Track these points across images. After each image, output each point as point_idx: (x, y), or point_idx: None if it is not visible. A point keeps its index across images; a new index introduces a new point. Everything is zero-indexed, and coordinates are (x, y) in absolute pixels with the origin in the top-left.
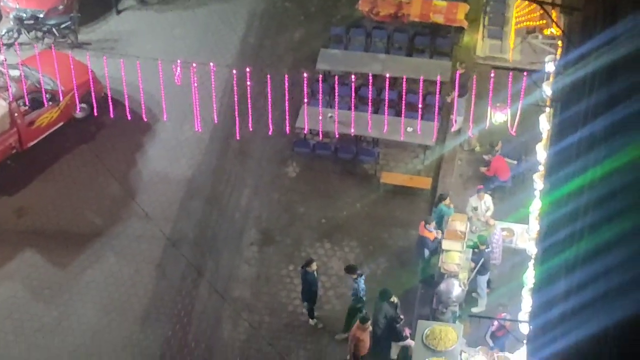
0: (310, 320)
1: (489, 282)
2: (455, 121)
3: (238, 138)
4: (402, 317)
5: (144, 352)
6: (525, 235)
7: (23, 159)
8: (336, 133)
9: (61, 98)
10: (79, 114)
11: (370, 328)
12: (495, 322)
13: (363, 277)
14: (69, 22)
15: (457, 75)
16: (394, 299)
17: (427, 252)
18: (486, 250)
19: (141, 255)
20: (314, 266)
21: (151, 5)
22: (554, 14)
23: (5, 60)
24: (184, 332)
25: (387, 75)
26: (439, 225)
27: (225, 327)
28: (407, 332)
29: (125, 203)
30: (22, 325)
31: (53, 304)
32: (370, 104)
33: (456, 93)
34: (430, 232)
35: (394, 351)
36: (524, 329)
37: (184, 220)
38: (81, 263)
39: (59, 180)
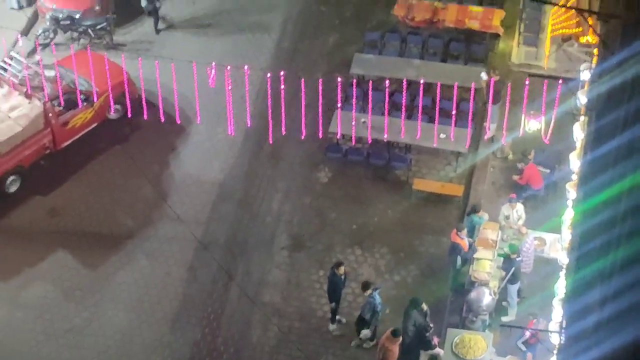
0: (331, 324)
1: (519, 291)
2: (489, 128)
3: (271, 142)
4: (431, 325)
5: (173, 354)
6: (557, 245)
7: (56, 160)
8: (369, 138)
9: (95, 99)
10: (113, 115)
11: (400, 339)
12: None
13: (378, 290)
14: (105, 24)
15: (492, 82)
16: (424, 307)
17: (459, 259)
18: (517, 259)
19: (172, 257)
20: (341, 270)
21: (187, 7)
22: (590, 21)
23: (41, 61)
24: (213, 335)
25: (421, 81)
26: (471, 235)
27: (254, 331)
28: (435, 340)
29: (158, 205)
30: (53, 325)
31: (83, 305)
32: (403, 109)
33: (490, 100)
34: (462, 239)
35: (423, 359)
36: (555, 339)
37: (215, 223)
38: (113, 264)
39: (91, 181)
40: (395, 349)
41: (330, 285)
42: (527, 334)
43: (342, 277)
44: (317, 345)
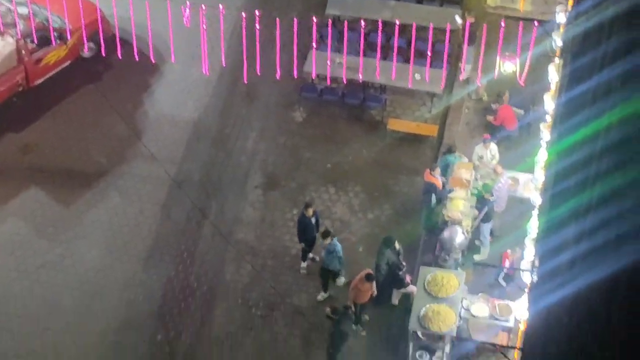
0: (302, 262)
1: (492, 230)
2: (464, 70)
3: (246, 81)
4: (404, 264)
5: (146, 291)
6: (530, 185)
7: (29, 97)
8: (344, 79)
9: (69, 37)
10: (86, 53)
11: (373, 283)
12: (507, 264)
13: (336, 237)
14: None
15: (467, 24)
16: (397, 245)
17: (433, 199)
18: (491, 199)
19: (146, 195)
20: (310, 211)
21: None
22: None
23: None
24: (186, 273)
25: (397, 22)
26: (444, 174)
27: (228, 269)
28: (408, 279)
29: (132, 143)
30: (25, 262)
31: (57, 242)
32: (379, 50)
33: (465, 42)
34: (436, 178)
35: (396, 297)
36: (527, 277)
37: (189, 162)
38: (86, 202)
39: (65, 119)
40: (366, 290)
41: (299, 226)
42: (507, 265)
43: (312, 218)
44: (290, 283)
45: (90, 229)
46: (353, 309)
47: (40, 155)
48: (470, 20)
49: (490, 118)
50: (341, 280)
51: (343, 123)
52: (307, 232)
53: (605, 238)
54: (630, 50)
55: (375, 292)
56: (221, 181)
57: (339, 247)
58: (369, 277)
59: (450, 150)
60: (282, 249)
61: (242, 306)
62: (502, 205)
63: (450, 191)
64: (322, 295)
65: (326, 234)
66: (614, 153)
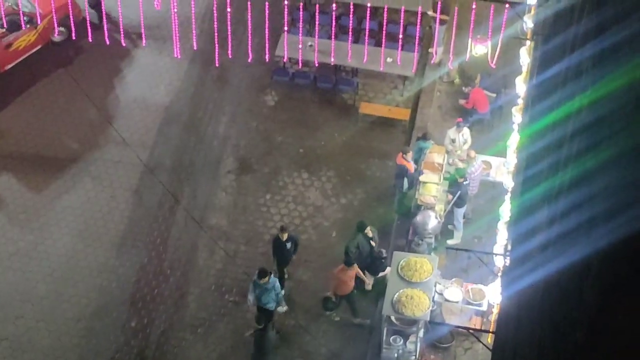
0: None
1: (465, 214)
2: (436, 53)
3: (217, 65)
4: (383, 251)
5: (119, 278)
6: (503, 169)
7: None
8: (316, 62)
9: (39, 21)
10: (57, 37)
11: (353, 269)
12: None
13: (273, 274)
14: None
15: (438, 4)
16: (369, 231)
17: (405, 182)
18: (464, 183)
19: (118, 181)
20: (284, 235)
21: None
22: None
23: None
24: (159, 259)
25: (368, 4)
26: (417, 159)
27: (201, 254)
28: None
29: (103, 128)
30: None
31: (28, 228)
32: (350, 33)
33: (437, 22)
34: (408, 162)
35: (369, 283)
36: (499, 261)
37: (161, 147)
38: (57, 188)
39: (35, 104)
40: (348, 280)
41: (273, 247)
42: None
43: (288, 243)
44: None
45: (63, 216)
46: (334, 300)
47: (10, 141)
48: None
49: (462, 101)
50: (283, 309)
51: (315, 107)
52: (278, 254)
53: (577, 221)
54: (600, 32)
55: (369, 284)
56: (193, 166)
57: (277, 284)
58: (348, 263)
59: (425, 137)
60: (255, 234)
61: (215, 292)
62: (475, 189)
63: (421, 174)
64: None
65: (263, 274)
66: (585, 135)
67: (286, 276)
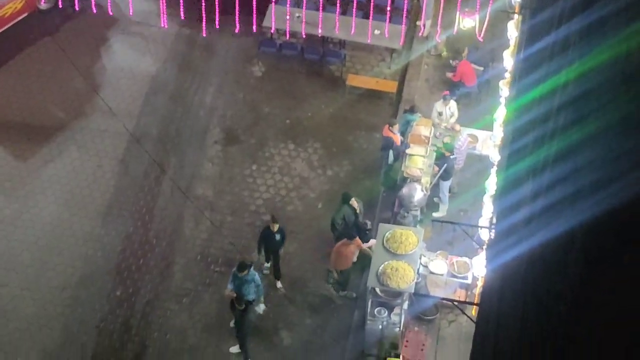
0: (266, 263)
1: (451, 187)
2: (424, 25)
3: (204, 35)
4: (368, 222)
5: (104, 247)
6: (489, 142)
7: None
8: (303, 33)
9: None
10: (43, 5)
11: (355, 243)
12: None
13: (252, 267)
14: None
15: None
16: (354, 202)
17: (391, 155)
18: (452, 157)
19: (104, 150)
20: (275, 226)
21: None
22: None
23: None
24: (145, 228)
25: None
26: (404, 132)
27: (187, 224)
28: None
29: (89, 97)
30: None
31: (14, 197)
32: (338, 5)
33: None
34: (395, 134)
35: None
36: (484, 234)
37: (148, 116)
38: (43, 156)
39: (21, 73)
40: (349, 254)
41: (260, 237)
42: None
43: (277, 234)
44: (249, 239)
45: (48, 184)
46: (335, 275)
47: None
48: None
49: (449, 74)
50: (261, 307)
51: (302, 78)
52: (267, 244)
53: (562, 194)
54: (587, 5)
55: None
56: (180, 136)
57: (257, 276)
58: (350, 237)
59: (412, 110)
60: (241, 205)
61: (200, 262)
62: (461, 163)
63: (407, 147)
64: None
65: (242, 267)
66: (571, 109)
67: (280, 286)
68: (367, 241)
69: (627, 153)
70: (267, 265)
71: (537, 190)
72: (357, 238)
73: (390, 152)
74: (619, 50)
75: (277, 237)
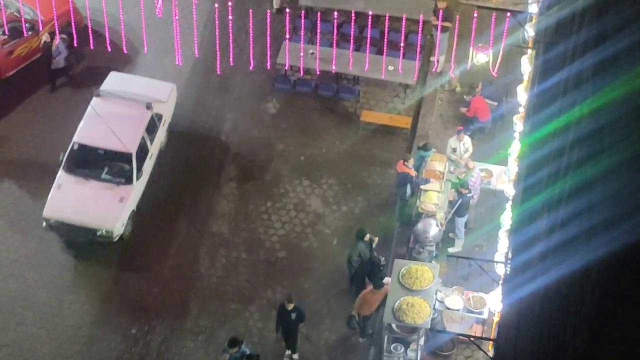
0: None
1: (466, 223)
2: (437, 61)
3: (219, 72)
4: (382, 259)
5: (120, 285)
6: (504, 177)
7: (1, 89)
8: (317, 70)
9: (41, 28)
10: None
11: (383, 292)
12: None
13: (243, 343)
14: None
15: (440, 13)
16: (368, 237)
17: (408, 189)
18: (468, 194)
19: None
20: (290, 305)
21: None
22: None
23: None
24: (161, 266)
25: (370, 12)
26: (418, 168)
27: (202, 262)
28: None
29: None
30: None
31: (30, 235)
32: (352, 41)
33: (439, 29)
34: (410, 169)
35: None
36: (500, 269)
37: (163, 153)
38: None
39: (37, 111)
40: (373, 302)
41: (277, 315)
42: None
43: (293, 313)
44: (264, 277)
45: None
46: (357, 319)
47: (12, 148)
48: (441, 6)
49: (463, 109)
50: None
51: (316, 115)
52: (282, 324)
53: (577, 230)
54: (600, 41)
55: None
56: (195, 173)
57: (247, 351)
58: (377, 285)
59: (425, 146)
60: (257, 242)
61: (216, 299)
62: (476, 198)
63: (426, 181)
64: None
65: (233, 344)
66: (585, 144)
67: (296, 357)
68: (382, 278)
69: None
70: (288, 353)
71: (553, 225)
72: (385, 286)
73: (407, 186)
74: (632, 86)
75: (293, 315)
